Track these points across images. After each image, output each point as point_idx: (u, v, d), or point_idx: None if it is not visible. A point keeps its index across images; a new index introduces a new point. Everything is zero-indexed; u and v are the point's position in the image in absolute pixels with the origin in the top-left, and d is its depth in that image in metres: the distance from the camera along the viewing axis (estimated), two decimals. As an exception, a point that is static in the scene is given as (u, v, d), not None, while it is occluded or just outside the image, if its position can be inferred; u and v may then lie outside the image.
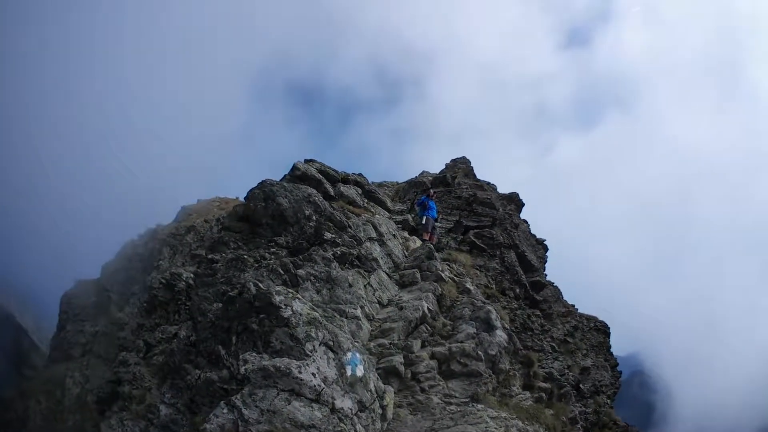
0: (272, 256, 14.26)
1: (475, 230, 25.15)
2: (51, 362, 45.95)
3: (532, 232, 29.49)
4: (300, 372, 8.33)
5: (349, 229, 14.77)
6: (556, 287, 28.16)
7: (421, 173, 29.77)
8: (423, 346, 12.78)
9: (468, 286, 16.60)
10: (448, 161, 30.54)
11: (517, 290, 24.06)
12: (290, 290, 9.71)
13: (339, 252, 13.89)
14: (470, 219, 25.80)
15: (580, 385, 22.36)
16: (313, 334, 8.93)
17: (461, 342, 12.92)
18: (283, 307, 9.09)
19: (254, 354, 8.81)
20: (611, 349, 26.88)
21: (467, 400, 11.77)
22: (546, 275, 27.80)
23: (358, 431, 8.68)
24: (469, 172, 29.66)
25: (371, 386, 9.49)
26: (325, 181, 16.77)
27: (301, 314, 9.11)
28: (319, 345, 8.93)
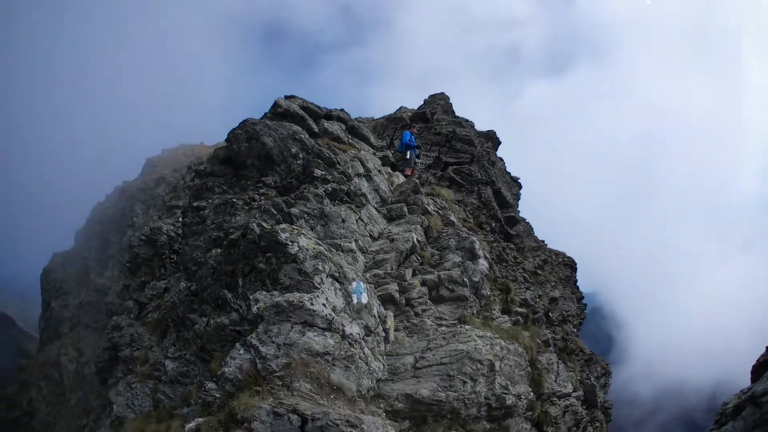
0: (262, 197, 14.13)
1: (455, 166, 25.43)
2: (43, 345, 44.31)
3: (507, 170, 29.95)
4: (312, 304, 8.53)
5: (338, 166, 14.68)
6: (528, 223, 29.16)
7: (399, 108, 29.40)
8: (414, 274, 13.29)
9: (451, 218, 17.02)
10: (426, 97, 30.18)
11: (493, 224, 24.78)
12: (294, 227, 9.73)
13: (330, 189, 13.87)
14: (449, 155, 25.97)
15: (549, 314, 23.58)
16: (320, 267, 9.08)
17: (448, 270, 13.46)
18: (290, 243, 9.15)
19: (264, 293, 8.93)
20: (577, 283, 28.32)
21: (455, 322, 12.58)
22: (519, 212, 28.58)
23: (366, 354, 9.07)
24: (448, 108, 29.48)
25: (374, 312, 9.84)
26: (308, 117, 16.40)
27: (307, 249, 9.21)
28: (326, 277, 9.11)
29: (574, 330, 25.70)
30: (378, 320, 9.77)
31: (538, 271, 25.78)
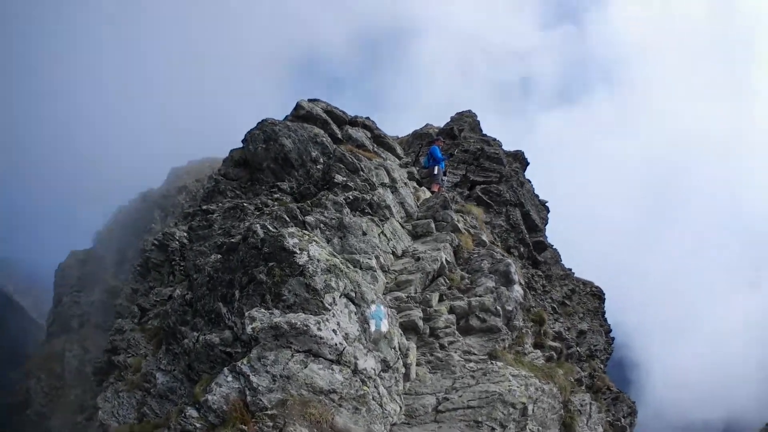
0: (276, 203, 12.37)
1: (482, 185, 23.49)
2: (50, 337, 43.73)
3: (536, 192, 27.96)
4: (319, 329, 6.59)
5: (362, 173, 12.85)
6: (556, 250, 27.11)
7: (426, 125, 27.62)
8: (441, 299, 11.27)
9: (483, 238, 14.97)
10: (453, 114, 28.45)
11: (522, 249, 22.70)
12: (305, 232, 7.85)
13: (351, 197, 12.01)
14: (477, 174, 24.06)
15: (577, 348, 21.44)
16: (333, 284, 7.16)
17: (480, 296, 11.44)
18: (298, 252, 7.27)
19: (262, 310, 7.04)
20: (605, 315, 26.07)
21: (485, 357, 10.66)
22: (547, 237, 26.52)
23: (381, 393, 7.09)
24: (475, 126, 27.62)
25: (395, 343, 7.85)
26: (331, 122, 14.70)
27: (319, 260, 7.31)
28: (340, 297, 7.18)
29: (602, 366, 23.35)
30: (398, 353, 7.78)
31: (566, 302, 23.54)
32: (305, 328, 6.58)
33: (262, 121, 13.44)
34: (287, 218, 11.29)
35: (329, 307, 6.91)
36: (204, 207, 13.37)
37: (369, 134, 15.75)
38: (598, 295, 26.14)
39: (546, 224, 26.68)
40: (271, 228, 7.69)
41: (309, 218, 11.27)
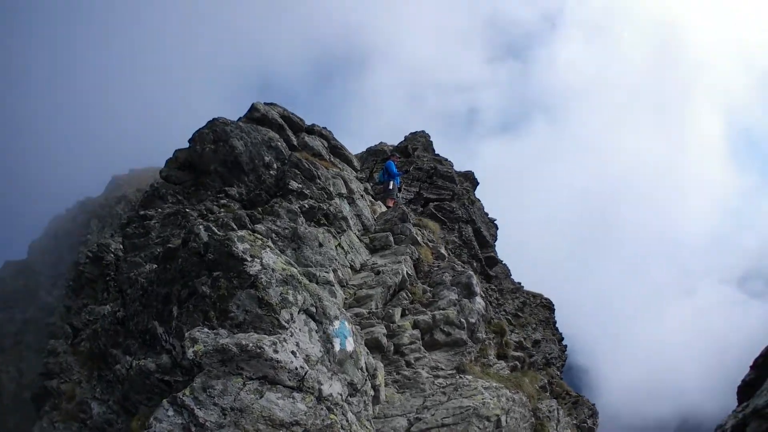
0: (222, 209, 11.07)
1: (435, 202, 23.14)
2: None
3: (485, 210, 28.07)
4: (276, 350, 5.45)
5: (318, 180, 11.82)
6: (506, 265, 27.19)
7: (380, 143, 27.07)
8: (404, 314, 10.42)
9: (442, 251, 14.32)
10: (407, 134, 28.13)
11: (474, 264, 22.38)
12: (257, 236, 6.69)
13: (307, 205, 10.93)
14: (431, 191, 23.72)
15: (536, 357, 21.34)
16: (290, 298, 6.04)
17: (444, 309, 10.72)
18: (249, 259, 6.11)
19: (206, 330, 5.81)
20: (557, 324, 26.29)
21: (453, 371, 10.03)
22: (497, 253, 26.57)
23: (350, 420, 6.03)
24: (428, 145, 27.43)
25: (362, 363, 6.81)
26: (287, 127, 13.58)
27: (273, 270, 6.18)
28: (299, 313, 6.07)
29: (558, 373, 23.32)
30: (366, 374, 6.75)
31: (519, 313, 23.45)
32: (259, 350, 5.43)
33: (213, 120, 12.15)
34: (235, 226, 10.03)
35: (286, 324, 5.80)
36: (141, 213, 11.79)
37: (326, 144, 14.76)
38: (548, 306, 26.29)
39: (495, 240, 26.75)
40: (215, 230, 6.48)
41: (260, 227, 10.07)
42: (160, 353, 7.15)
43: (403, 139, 27.61)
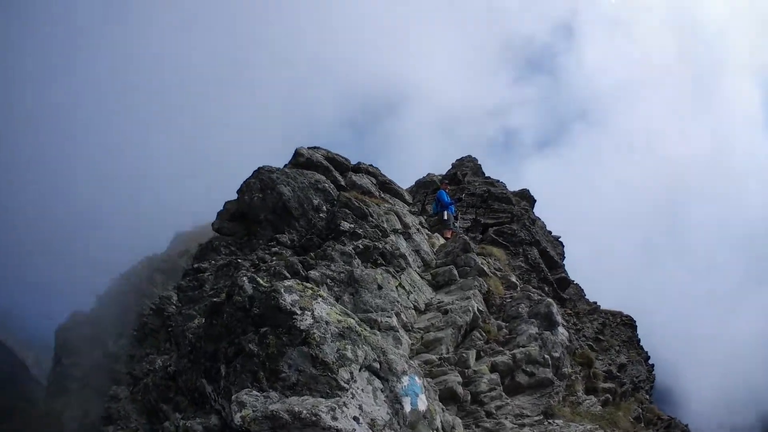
0: (274, 257, 10.50)
1: (495, 227, 21.72)
2: (49, 396, 41.43)
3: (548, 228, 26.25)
4: (334, 417, 4.53)
5: (371, 218, 11.04)
6: (578, 285, 25.11)
7: (427, 174, 26.22)
8: (479, 356, 9.19)
9: (513, 280, 12.98)
10: (454, 161, 27.20)
11: (546, 288, 20.61)
12: (306, 285, 5.91)
13: (362, 245, 10.12)
14: (487, 216, 22.37)
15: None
16: (349, 354, 5.14)
17: (524, 346, 9.41)
18: (299, 312, 5.31)
19: (254, 392, 5.00)
20: (641, 342, 23.65)
21: (541, 417, 8.74)
22: (567, 273, 24.54)
23: None
24: (477, 169, 26.30)
25: (437, 423, 5.70)
26: (333, 168, 13.08)
27: (328, 323, 5.33)
28: (360, 370, 5.14)
29: (647, 396, 20.74)
30: None
31: (600, 336, 21.19)
32: (315, 417, 4.52)
33: (259, 168, 11.82)
34: (287, 274, 9.36)
35: (346, 385, 4.88)
36: (195, 266, 11.47)
37: (374, 180, 14.09)
38: (630, 324, 23.77)
39: (564, 259, 24.83)
40: (261, 282, 5.76)
41: (313, 273, 9.33)
42: (209, 413, 6.38)
43: (450, 167, 26.68)
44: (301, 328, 5.21)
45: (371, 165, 15.44)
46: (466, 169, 26.08)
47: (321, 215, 11.15)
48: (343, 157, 14.05)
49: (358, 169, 14.32)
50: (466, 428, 7.72)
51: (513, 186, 26.36)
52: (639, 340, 23.30)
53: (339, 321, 5.53)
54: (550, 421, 8.46)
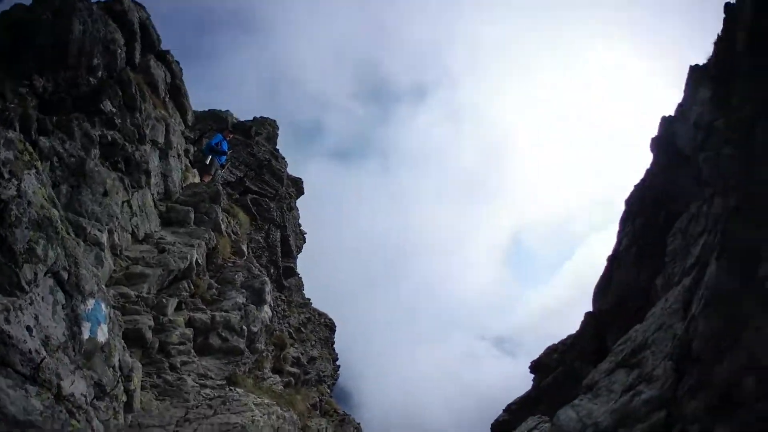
0: (16, 99, 8.07)
1: (255, 195, 21.66)
2: None
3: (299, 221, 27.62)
4: (7, 319, 3.76)
5: (138, 115, 9.65)
6: (301, 278, 26.89)
7: (227, 111, 24.57)
8: (179, 308, 8.95)
9: (243, 248, 13.08)
10: (258, 116, 26.27)
11: (272, 270, 21.48)
12: (27, 149, 4.72)
13: (110, 138, 8.72)
14: (255, 182, 22.16)
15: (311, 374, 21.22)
16: (39, 251, 4.33)
17: (226, 311, 9.62)
18: (6, 176, 4.24)
19: None
20: (334, 345, 26.80)
21: (224, 382, 8.93)
22: (297, 265, 26.19)
23: (95, 428, 4.57)
24: (272, 137, 25.99)
25: (115, 360, 5.31)
26: (138, 40, 11.00)
27: (30, 203, 4.41)
28: (45, 274, 4.40)
29: (328, 391, 23.41)
30: (119, 375, 5.29)
31: (302, 329, 23.12)
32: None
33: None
34: (17, 126, 7.32)
35: (27, 287, 4.10)
36: None
37: (169, 79, 12.43)
38: (331, 327, 26.64)
39: (299, 252, 26.35)
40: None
41: (43, 140, 7.59)
42: None
43: (251, 119, 25.63)
44: (2, 197, 4.15)
45: (178, 62, 13.42)
46: (263, 130, 25.42)
47: (91, 79, 9.17)
48: (157, 34, 11.96)
49: (162, 56, 12.37)
50: (147, 376, 7.33)
51: (295, 171, 26.89)
52: (334, 343, 26.22)
53: (43, 207, 4.62)
54: (232, 388, 8.71)
